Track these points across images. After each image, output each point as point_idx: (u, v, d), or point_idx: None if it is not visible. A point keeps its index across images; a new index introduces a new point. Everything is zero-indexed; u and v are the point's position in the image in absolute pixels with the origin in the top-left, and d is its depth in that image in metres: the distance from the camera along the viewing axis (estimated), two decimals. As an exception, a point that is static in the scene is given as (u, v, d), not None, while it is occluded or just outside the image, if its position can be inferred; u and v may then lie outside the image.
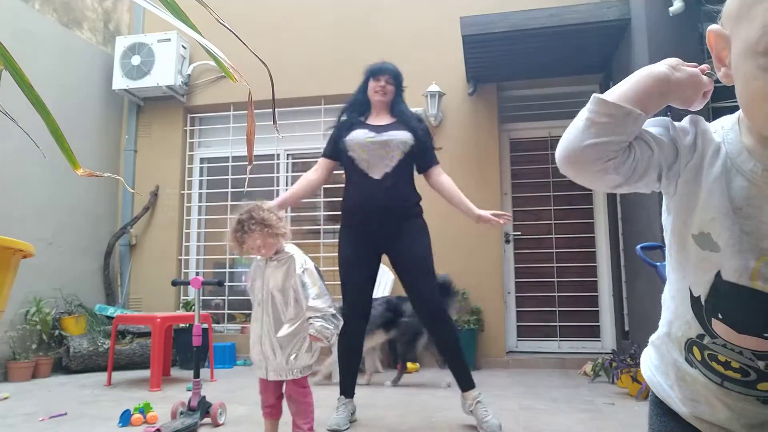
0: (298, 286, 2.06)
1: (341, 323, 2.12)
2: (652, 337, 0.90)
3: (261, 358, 2.08)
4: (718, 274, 0.73)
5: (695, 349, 0.80)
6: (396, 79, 2.80)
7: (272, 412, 2.14)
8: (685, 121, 0.77)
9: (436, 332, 2.66)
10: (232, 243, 2.10)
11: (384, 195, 2.63)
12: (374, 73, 2.80)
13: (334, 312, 2.08)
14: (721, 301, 0.74)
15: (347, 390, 2.72)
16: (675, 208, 0.77)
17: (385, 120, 2.77)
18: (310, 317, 2.05)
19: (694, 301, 0.77)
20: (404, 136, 2.67)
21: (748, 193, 0.70)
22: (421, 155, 2.75)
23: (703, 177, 0.73)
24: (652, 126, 0.77)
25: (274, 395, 2.13)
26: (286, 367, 2.05)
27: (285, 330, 2.05)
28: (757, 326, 0.72)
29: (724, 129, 0.76)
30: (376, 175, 2.65)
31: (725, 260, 0.72)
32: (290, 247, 2.15)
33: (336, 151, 2.81)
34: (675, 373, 0.84)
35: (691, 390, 0.82)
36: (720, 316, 0.74)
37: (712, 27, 0.72)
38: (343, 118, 2.86)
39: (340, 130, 2.82)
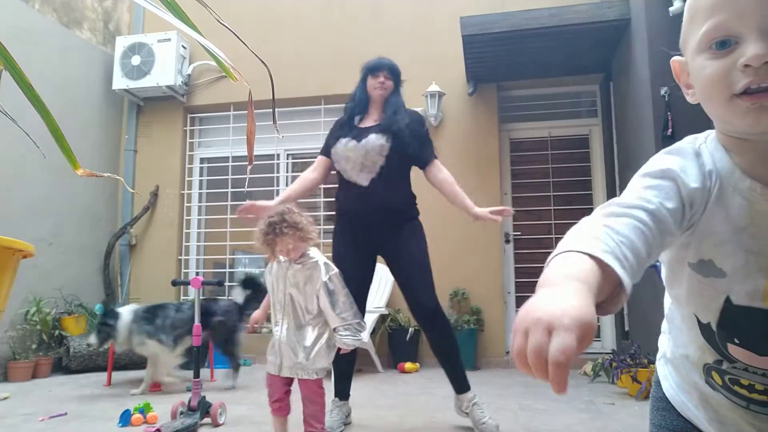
0: (323, 294, 2.06)
1: (365, 329, 2.13)
2: (668, 354, 0.89)
3: (277, 355, 2.08)
4: (727, 300, 0.72)
5: (714, 374, 0.78)
6: (393, 73, 2.76)
7: (281, 407, 2.12)
8: (687, 159, 0.73)
9: (431, 333, 2.62)
10: (261, 245, 2.08)
11: (373, 200, 2.60)
12: (372, 69, 2.77)
13: (359, 320, 2.11)
14: (736, 326, 0.72)
15: (341, 393, 2.71)
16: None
17: (377, 118, 2.73)
18: (336, 328, 2.06)
19: (704, 327, 0.76)
20: (379, 140, 2.61)
21: (749, 212, 0.69)
22: (413, 154, 2.68)
23: (710, 207, 0.72)
24: (665, 198, 0.69)
25: (281, 389, 2.12)
26: (302, 367, 2.05)
27: (305, 332, 2.07)
28: None
29: (708, 147, 0.74)
30: (363, 182, 2.62)
31: (734, 285, 0.71)
32: (314, 252, 2.15)
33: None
34: (698, 396, 0.82)
35: (716, 412, 0.80)
36: (736, 341, 0.73)
37: (674, 58, 0.76)
38: (341, 119, 2.83)
39: (333, 131, 2.80)
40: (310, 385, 2.08)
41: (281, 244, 2.04)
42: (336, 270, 2.14)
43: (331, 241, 2.74)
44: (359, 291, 2.66)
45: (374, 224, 2.64)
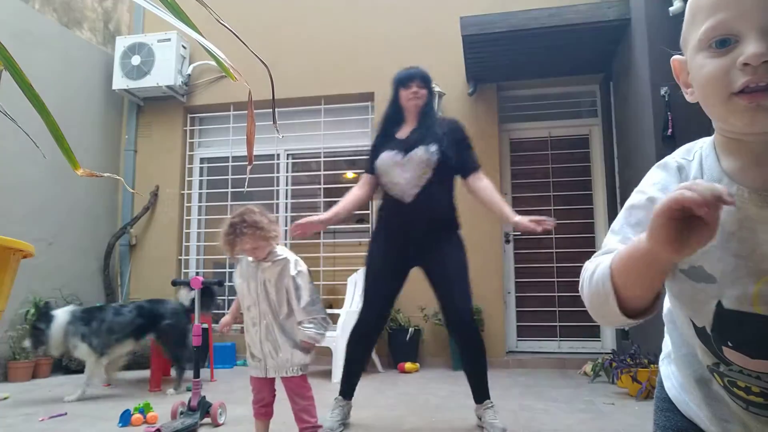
0: (291, 288, 2.10)
1: (330, 325, 2.17)
2: (672, 354, 0.90)
3: (260, 357, 2.10)
4: (719, 304, 0.73)
5: (716, 376, 0.80)
6: (425, 81, 2.73)
7: (267, 411, 2.17)
8: (670, 174, 0.78)
9: (463, 344, 2.64)
10: (224, 246, 2.12)
11: (416, 215, 2.59)
12: (403, 81, 2.72)
13: (324, 316, 2.14)
14: (728, 330, 0.73)
15: (346, 392, 2.71)
16: None
17: (413, 130, 2.70)
18: (301, 321, 2.09)
19: (700, 331, 0.77)
20: (426, 154, 2.59)
21: (737, 217, 0.70)
22: (456, 163, 2.68)
23: None
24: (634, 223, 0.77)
25: (270, 394, 2.17)
26: (287, 365, 2.08)
27: (283, 329, 2.10)
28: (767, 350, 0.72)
29: (703, 154, 0.76)
30: (408, 198, 2.60)
31: (724, 289, 0.72)
32: (281, 249, 2.17)
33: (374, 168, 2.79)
34: (706, 393, 0.83)
35: (722, 410, 0.82)
36: (730, 344, 0.74)
37: (674, 56, 0.78)
38: (378, 134, 2.81)
39: (375, 148, 2.77)
40: (296, 381, 2.11)
41: (241, 244, 2.06)
42: (304, 267, 2.17)
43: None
44: (386, 302, 2.69)
45: (414, 238, 2.63)
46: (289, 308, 2.11)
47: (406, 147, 2.63)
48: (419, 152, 2.60)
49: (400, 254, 2.66)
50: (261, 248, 2.09)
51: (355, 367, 2.75)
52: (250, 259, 2.14)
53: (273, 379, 2.15)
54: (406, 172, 2.60)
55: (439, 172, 2.61)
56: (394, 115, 2.77)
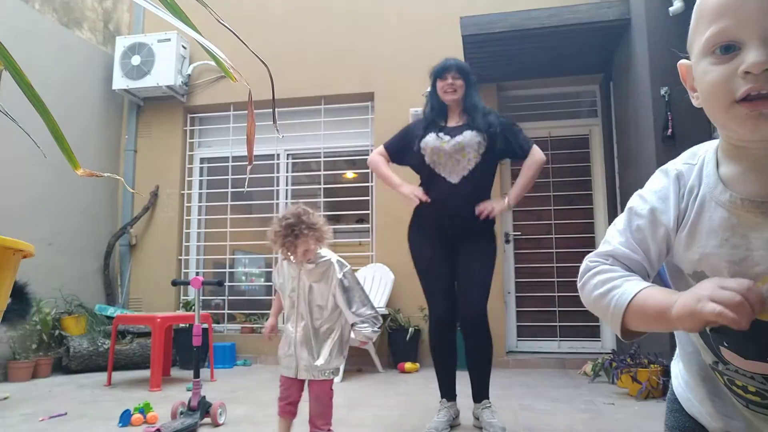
0: (338, 291, 2.04)
1: (381, 323, 2.16)
2: (681, 353, 0.92)
3: (293, 357, 2.06)
4: None
5: (717, 374, 0.82)
6: (462, 72, 2.73)
7: (293, 410, 2.11)
8: (671, 181, 0.80)
9: (472, 339, 2.64)
10: (280, 248, 2.03)
11: (459, 199, 2.59)
12: (438, 73, 2.74)
13: (376, 314, 2.10)
14: (724, 331, 0.75)
15: (447, 393, 2.66)
16: (670, 256, 0.82)
17: (459, 120, 2.71)
18: (354, 323, 2.06)
19: (701, 331, 0.79)
20: (476, 137, 2.61)
21: (730, 223, 0.72)
22: (510, 148, 2.71)
23: (691, 224, 0.77)
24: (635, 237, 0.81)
25: (298, 393, 2.11)
26: (319, 368, 2.04)
27: (319, 332, 2.07)
28: (760, 352, 0.73)
29: (705, 159, 0.78)
30: (454, 179, 2.60)
31: None
32: (324, 251, 2.12)
33: (400, 152, 2.78)
34: (711, 389, 0.85)
35: (726, 407, 0.83)
36: (726, 344, 0.76)
37: (681, 61, 0.79)
38: (420, 121, 2.80)
39: (414, 131, 2.75)
40: (323, 385, 2.06)
41: (302, 246, 2.00)
42: (349, 267, 2.12)
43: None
44: (450, 292, 2.66)
45: (452, 224, 2.63)
46: (332, 312, 2.06)
47: (455, 132, 2.64)
48: (468, 135, 2.61)
49: (443, 238, 2.65)
50: (312, 251, 2.03)
51: (445, 365, 2.68)
52: (293, 258, 2.06)
53: (303, 380, 2.10)
54: (454, 153, 2.60)
55: (485, 161, 2.64)
56: (435, 108, 2.76)
